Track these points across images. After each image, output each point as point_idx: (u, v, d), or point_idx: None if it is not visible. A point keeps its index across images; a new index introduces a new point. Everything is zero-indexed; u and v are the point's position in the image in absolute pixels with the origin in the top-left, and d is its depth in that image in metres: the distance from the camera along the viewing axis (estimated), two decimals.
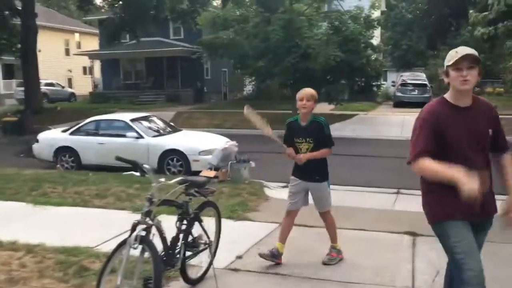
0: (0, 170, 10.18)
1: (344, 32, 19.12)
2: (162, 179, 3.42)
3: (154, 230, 3.39)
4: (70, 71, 39.83)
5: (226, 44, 20.03)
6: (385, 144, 15.58)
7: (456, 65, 2.82)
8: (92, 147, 10.93)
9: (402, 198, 8.25)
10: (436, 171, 2.81)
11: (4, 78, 34.99)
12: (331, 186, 4.92)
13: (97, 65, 34.91)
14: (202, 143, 10.57)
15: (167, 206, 3.66)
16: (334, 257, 4.76)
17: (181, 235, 3.75)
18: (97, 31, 35.57)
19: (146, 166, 3.33)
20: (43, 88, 32.63)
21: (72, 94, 36.50)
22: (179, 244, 3.75)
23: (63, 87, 36.36)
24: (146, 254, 3.24)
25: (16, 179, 8.90)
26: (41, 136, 11.74)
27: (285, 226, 4.89)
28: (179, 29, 30.84)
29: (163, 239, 3.54)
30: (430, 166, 2.83)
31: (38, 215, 6.46)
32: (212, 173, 9.01)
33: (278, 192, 8.53)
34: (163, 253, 3.58)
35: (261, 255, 4.70)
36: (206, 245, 4.07)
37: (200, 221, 3.94)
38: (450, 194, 2.77)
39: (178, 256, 3.72)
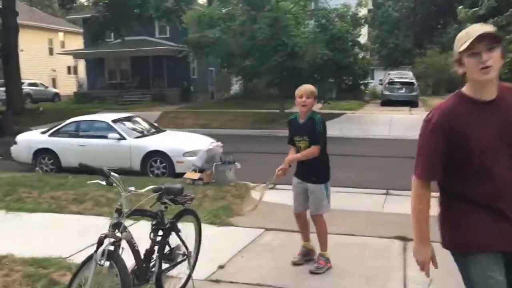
0: None
1: (331, 30, 18.93)
2: (132, 188, 3.12)
3: (124, 243, 3.10)
4: (54, 70, 39.12)
5: (212, 42, 19.71)
6: (373, 143, 15.41)
7: (471, 50, 2.18)
8: (72, 149, 10.55)
9: (391, 199, 8.04)
10: (415, 222, 2.39)
11: None
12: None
13: (81, 64, 34.33)
14: (187, 144, 10.26)
15: (139, 216, 3.35)
16: (322, 266, 4.51)
17: (156, 247, 3.46)
18: (81, 30, 34.97)
19: (114, 174, 3.03)
20: (26, 88, 32.00)
21: (56, 94, 35.83)
22: (154, 256, 3.46)
23: (46, 87, 35.66)
24: (115, 270, 2.94)
25: None
26: (19, 138, 11.33)
27: (300, 228, 4.79)
28: (164, 27, 30.41)
29: (135, 252, 3.25)
30: (418, 209, 2.36)
31: (10, 222, 6.12)
32: (196, 175, 8.74)
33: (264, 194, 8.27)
34: (135, 267, 3.29)
35: (295, 263, 4.63)
36: (185, 256, 3.78)
37: (177, 231, 3.65)
38: (483, 215, 2.24)
39: (153, 270, 3.43)
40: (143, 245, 3.45)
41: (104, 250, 2.91)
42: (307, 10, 21.29)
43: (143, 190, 3.24)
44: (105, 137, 10.34)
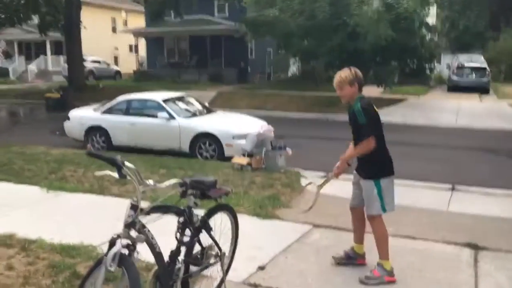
0: (29, 148, 9.86)
1: (397, 9, 17.65)
2: (150, 181, 2.65)
3: (142, 245, 2.65)
4: (117, 49, 39.95)
5: (270, 22, 19.02)
6: (438, 132, 14.31)
7: None
8: (123, 127, 10.40)
9: (458, 196, 7.21)
10: None
11: (53, 54, 35.45)
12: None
13: (142, 43, 34.73)
14: (237, 127, 9.80)
15: (161, 213, 2.89)
16: (375, 277, 3.89)
17: (182, 249, 2.99)
18: (143, 9, 35.31)
19: (129, 165, 2.57)
20: (90, 65, 32.92)
21: (118, 72, 36.62)
22: (179, 259, 3.00)
23: (108, 64, 36.49)
24: (127, 279, 2.50)
25: (40, 159, 8.48)
26: (72, 113, 11.31)
27: (353, 226, 4.30)
28: (223, 6, 30.00)
29: (157, 255, 2.79)
30: None
31: (48, 202, 5.92)
32: (244, 160, 8.30)
33: (315, 184, 7.67)
34: (157, 270, 2.85)
35: (335, 259, 4.21)
36: (217, 258, 3.30)
37: (209, 230, 3.17)
38: None
39: (178, 274, 2.98)
40: (169, 241, 3.01)
41: (115, 254, 2.47)
42: None
43: (164, 184, 2.76)
44: (155, 116, 10.08)
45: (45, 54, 35.16)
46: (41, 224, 5.05)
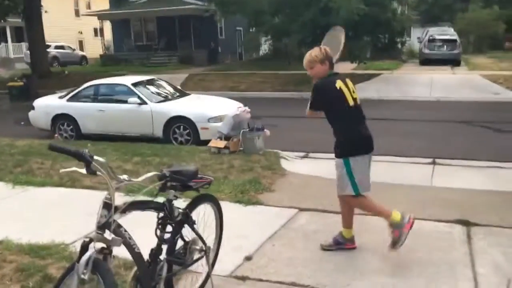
0: None
1: None
2: (124, 177, 2.34)
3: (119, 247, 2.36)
4: (81, 33, 38.66)
5: None
6: (413, 105, 14.27)
7: None
8: (91, 114, 9.93)
9: (440, 170, 7.11)
10: None
11: (14, 41, 34.01)
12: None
13: (108, 26, 33.63)
14: (212, 109, 9.47)
15: (139, 210, 2.59)
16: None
17: (164, 246, 2.71)
18: None
19: (99, 159, 2.25)
20: (53, 51, 31.74)
21: (83, 57, 35.49)
22: (161, 257, 2.72)
23: (73, 49, 35.30)
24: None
25: (4, 152, 8.00)
26: (37, 102, 10.74)
27: (341, 212, 4.13)
28: None
29: (136, 256, 2.50)
30: None
31: (14, 198, 5.53)
32: (222, 143, 8.01)
33: (296, 164, 7.48)
34: (137, 272, 2.57)
35: (323, 247, 4.05)
36: (202, 253, 3.04)
37: (191, 224, 2.89)
38: None
39: (161, 273, 2.70)
40: (149, 237, 2.72)
41: (88, 260, 2.17)
42: None
43: (140, 179, 2.45)
44: (125, 101, 9.65)
45: (6, 41, 33.69)
46: (7, 223, 4.68)
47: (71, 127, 10.09)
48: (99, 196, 5.17)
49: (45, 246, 3.98)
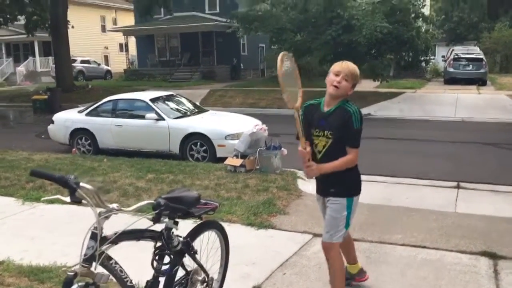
0: (10, 154, 9.33)
1: (392, 1, 17.23)
2: (114, 205, 2.17)
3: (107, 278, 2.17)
4: (107, 48, 39.34)
5: (261, 16, 18.54)
6: (437, 126, 13.88)
7: None
8: (109, 129, 9.89)
9: (464, 194, 6.76)
10: None
11: (42, 55, 34.77)
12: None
13: (132, 42, 34.16)
14: (229, 126, 9.32)
15: (132, 240, 2.40)
16: None
17: (161, 279, 2.51)
18: (132, 6, 34.74)
19: (86, 185, 2.08)
20: (79, 66, 32.33)
21: (108, 71, 36.04)
22: None
23: (99, 64, 35.90)
24: None
25: (19, 166, 7.97)
26: (56, 116, 10.77)
27: (341, 250, 3.45)
28: (214, 2, 29.51)
29: None
30: None
31: (23, 216, 5.43)
32: (238, 162, 7.82)
33: (313, 185, 7.20)
34: None
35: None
36: (204, 284, 2.83)
37: (193, 254, 2.69)
38: None
39: None
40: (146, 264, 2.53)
41: None
42: None
43: (131, 208, 2.26)
44: (142, 117, 9.59)
45: (34, 55, 34.48)
46: (12, 241, 4.57)
47: (89, 141, 10.06)
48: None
49: (46, 269, 3.84)
